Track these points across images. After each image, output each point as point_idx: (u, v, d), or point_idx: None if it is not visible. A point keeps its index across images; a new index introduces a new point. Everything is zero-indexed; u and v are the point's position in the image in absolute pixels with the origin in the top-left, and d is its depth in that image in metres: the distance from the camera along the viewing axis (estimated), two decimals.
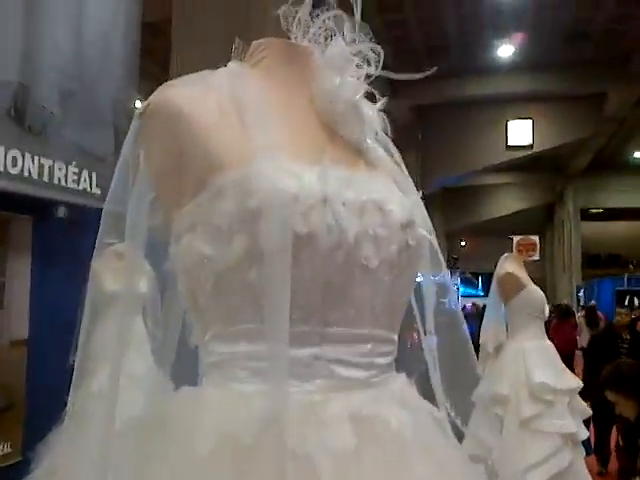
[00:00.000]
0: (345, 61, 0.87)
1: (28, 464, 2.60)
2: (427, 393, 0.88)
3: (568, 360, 7.04)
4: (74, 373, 0.96)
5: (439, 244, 0.94)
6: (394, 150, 0.95)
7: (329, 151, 0.81)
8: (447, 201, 20.41)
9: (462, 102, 15.00)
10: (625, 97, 13.87)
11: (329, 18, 0.89)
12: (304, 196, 0.71)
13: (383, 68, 0.90)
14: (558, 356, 3.61)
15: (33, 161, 2.87)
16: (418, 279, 0.89)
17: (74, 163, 3.13)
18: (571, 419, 3.31)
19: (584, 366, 5.88)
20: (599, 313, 9.95)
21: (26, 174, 2.84)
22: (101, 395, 1.00)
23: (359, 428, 0.71)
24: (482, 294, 17.54)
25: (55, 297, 3.07)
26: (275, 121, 0.80)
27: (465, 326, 1.05)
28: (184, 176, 0.77)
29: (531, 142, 15.64)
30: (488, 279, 5.33)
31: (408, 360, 0.91)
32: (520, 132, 15.73)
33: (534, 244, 21.12)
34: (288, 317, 0.69)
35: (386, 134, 0.95)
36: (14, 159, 2.77)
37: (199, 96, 0.80)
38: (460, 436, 0.91)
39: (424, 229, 0.84)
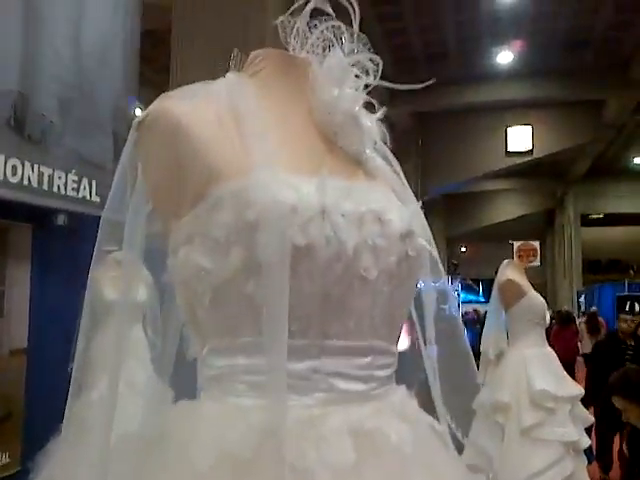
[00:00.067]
0: (343, 72, 0.87)
1: (27, 474, 2.58)
2: (427, 404, 0.88)
3: (569, 367, 7.02)
4: (71, 382, 0.96)
5: (439, 250, 0.94)
6: (393, 160, 0.95)
7: (328, 162, 0.81)
8: (447, 207, 20.44)
9: (462, 109, 15.07)
10: (624, 103, 13.92)
11: (327, 29, 0.88)
12: (302, 208, 0.70)
13: (382, 75, 0.90)
14: (559, 363, 3.60)
15: (33, 169, 2.87)
16: (418, 286, 0.89)
17: (74, 171, 3.13)
18: (572, 427, 3.30)
19: (587, 373, 5.85)
20: (600, 319, 9.94)
21: (25, 182, 2.84)
22: (101, 404, 1.00)
23: (359, 442, 0.70)
24: (483, 300, 17.51)
25: (55, 305, 3.07)
26: (273, 132, 0.79)
27: (465, 335, 1.04)
28: (182, 188, 0.76)
29: (531, 148, 15.70)
30: (489, 285, 5.32)
31: (409, 364, 0.91)
32: (520, 138, 15.79)
33: (534, 249, 21.10)
34: (286, 330, 0.68)
35: (385, 144, 0.95)
36: (14, 168, 2.77)
37: (198, 108, 0.80)
38: (460, 447, 0.91)
39: (424, 239, 0.84)
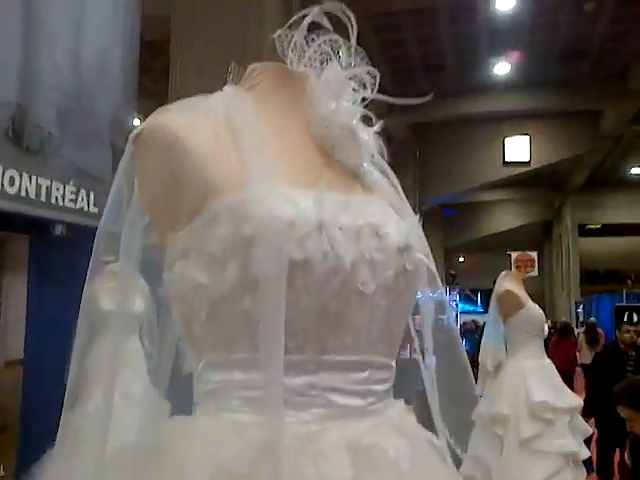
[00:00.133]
0: (341, 85, 0.87)
1: None
2: (425, 416, 0.87)
3: (568, 378, 7.00)
4: (66, 394, 0.95)
5: (437, 260, 0.94)
6: (390, 173, 0.95)
7: (325, 175, 0.81)
8: (445, 217, 20.46)
9: (459, 119, 15.13)
10: (621, 114, 13.98)
11: (325, 42, 0.89)
12: (300, 222, 0.70)
13: (380, 86, 0.90)
14: (558, 375, 3.60)
15: (30, 181, 2.87)
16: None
17: (72, 182, 3.13)
18: (572, 438, 3.29)
19: (587, 384, 5.82)
20: (599, 330, 9.93)
21: (23, 193, 2.84)
22: (96, 415, 0.99)
23: (356, 458, 0.69)
24: (481, 310, 17.49)
25: (52, 317, 3.05)
26: (271, 146, 0.79)
27: (463, 346, 1.04)
28: (178, 202, 0.76)
29: (528, 159, 15.74)
30: (487, 295, 5.31)
31: (407, 375, 0.90)
32: (517, 149, 15.85)
33: (532, 260, 21.11)
34: (283, 345, 0.68)
35: (382, 157, 0.95)
36: (11, 179, 2.77)
37: (195, 121, 0.80)
38: (458, 460, 0.90)
39: (421, 253, 0.83)
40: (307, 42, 0.89)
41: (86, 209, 3.23)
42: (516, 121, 15.53)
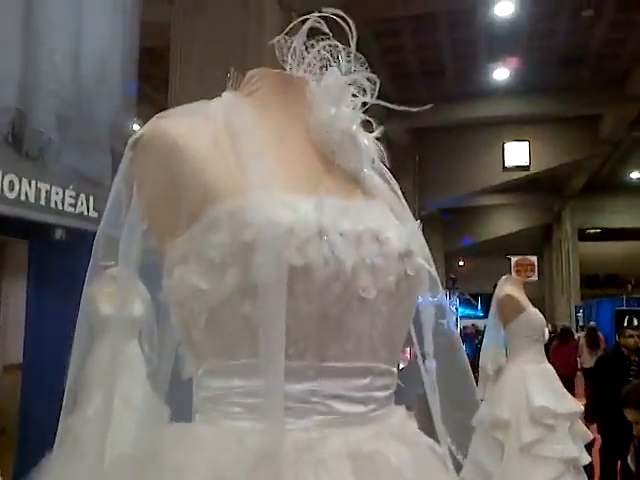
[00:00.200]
0: (341, 91, 0.87)
1: None
2: (426, 420, 0.87)
3: (569, 383, 6.99)
4: (64, 398, 0.95)
5: (437, 265, 0.93)
6: (391, 178, 0.95)
7: (325, 181, 0.81)
8: (445, 222, 20.47)
9: (459, 125, 15.17)
10: (620, 119, 14.01)
11: (324, 48, 0.89)
12: (300, 228, 0.70)
13: (379, 91, 0.90)
14: (558, 380, 3.59)
15: (30, 185, 2.88)
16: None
17: (71, 187, 3.13)
18: (572, 444, 3.28)
19: (589, 388, 5.80)
20: (599, 334, 9.93)
21: (23, 198, 2.84)
22: (96, 420, 0.99)
23: (357, 465, 0.69)
24: (482, 315, 17.48)
25: (51, 321, 3.05)
26: (270, 151, 0.79)
27: (463, 350, 1.04)
28: (177, 208, 0.76)
29: (528, 163, 15.77)
30: (487, 299, 5.30)
31: (408, 379, 0.90)
32: (517, 154, 15.88)
33: (532, 264, 21.12)
34: (283, 351, 0.67)
35: (383, 162, 0.94)
36: (11, 183, 2.77)
37: (194, 127, 0.80)
38: (459, 466, 0.90)
39: (422, 258, 0.83)
40: (306, 48, 0.89)
41: (85, 213, 3.23)
42: (515, 126, 15.57)
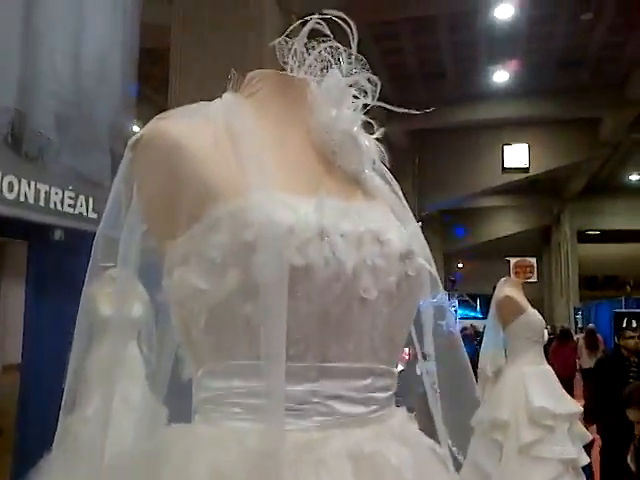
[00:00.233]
0: (342, 92, 0.87)
1: None
2: (426, 421, 0.87)
3: (568, 384, 6.99)
4: (63, 398, 0.95)
5: (437, 266, 0.93)
6: (392, 179, 0.95)
7: (326, 182, 0.81)
8: (445, 223, 20.49)
9: (458, 127, 15.19)
10: (619, 121, 14.03)
11: (325, 50, 0.89)
12: (300, 228, 0.70)
13: (380, 93, 0.90)
14: (558, 381, 3.59)
15: (29, 186, 2.87)
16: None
17: (70, 188, 3.13)
18: (571, 445, 3.28)
19: (589, 389, 5.79)
20: (598, 336, 9.94)
21: (22, 199, 2.84)
22: (95, 420, 0.99)
23: (358, 466, 0.69)
24: (481, 316, 17.47)
25: (50, 322, 3.05)
26: (271, 153, 0.79)
27: (463, 348, 1.04)
28: (177, 208, 0.76)
29: (527, 165, 15.80)
30: (486, 301, 5.31)
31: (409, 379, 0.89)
32: (516, 156, 15.91)
33: (531, 266, 21.15)
34: (284, 352, 0.67)
35: (383, 163, 0.94)
36: (10, 184, 2.77)
37: (194, 128, 0.80)
38: (458, 466, 0.90)
39: (423, 258, 0.83)
40: (307, 49, 0.89)
41: (85, 214, 3.23)
42: (515, 128, 15.60)
